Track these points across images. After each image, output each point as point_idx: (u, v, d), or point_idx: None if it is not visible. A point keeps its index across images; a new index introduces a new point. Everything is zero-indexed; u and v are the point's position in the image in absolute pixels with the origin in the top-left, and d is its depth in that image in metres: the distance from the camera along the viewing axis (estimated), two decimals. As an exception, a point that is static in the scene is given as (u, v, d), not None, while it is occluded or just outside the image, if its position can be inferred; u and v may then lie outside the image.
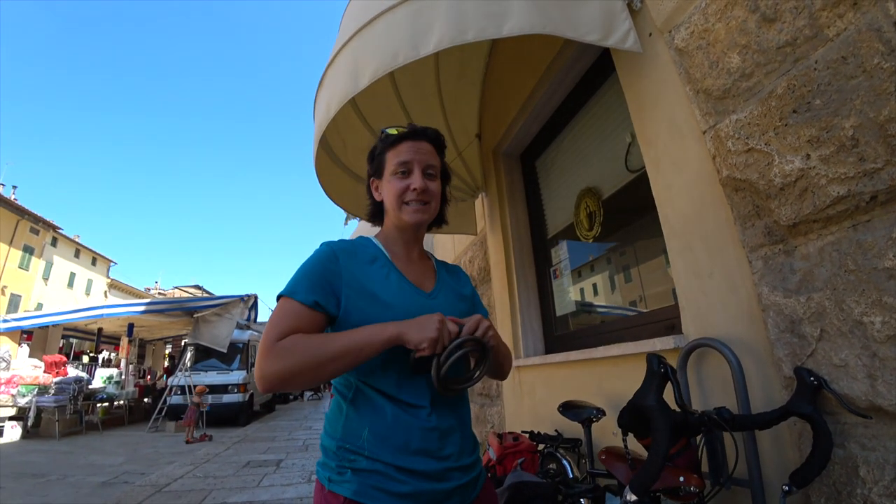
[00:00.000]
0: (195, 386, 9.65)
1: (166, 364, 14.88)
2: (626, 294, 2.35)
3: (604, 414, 1.85)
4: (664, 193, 1.64)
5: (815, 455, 0.99)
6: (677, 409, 1.11)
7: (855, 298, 1.00)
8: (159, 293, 40.92)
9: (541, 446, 2.28)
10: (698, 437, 1.22)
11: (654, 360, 1.07)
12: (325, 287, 0.91)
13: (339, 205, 2.80)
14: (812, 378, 1.04)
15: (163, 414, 9.75)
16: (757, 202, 1.22)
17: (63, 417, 8.24)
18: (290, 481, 4.93)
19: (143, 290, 37.56)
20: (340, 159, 2.82)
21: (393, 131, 1.06)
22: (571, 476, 1.97)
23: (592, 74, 2.45)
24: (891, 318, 0.94)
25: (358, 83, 1.70)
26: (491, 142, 3.53)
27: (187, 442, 8.13)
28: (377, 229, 1.16)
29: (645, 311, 2.13)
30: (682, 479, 1.06)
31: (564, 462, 2.08)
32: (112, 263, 33.07)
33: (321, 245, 0.97)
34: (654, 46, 1.72)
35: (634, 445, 1.28)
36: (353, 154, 2.90)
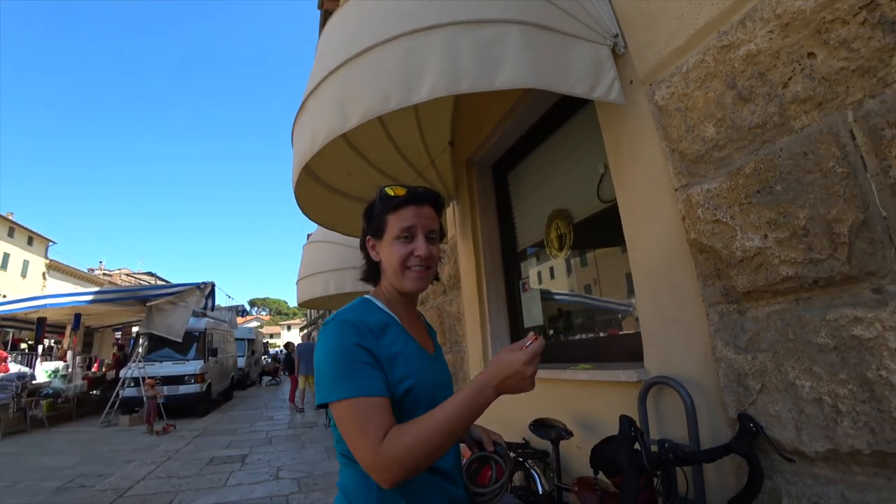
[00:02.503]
0: (148, 378, 9.35)
1: (115, 352, 14.18)
2: (592, 315, 2.51)
3: (571, 435, 2.00)
4: (637, 239, 1.77)
5: (749, 485, 1.18)
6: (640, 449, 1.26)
7: (791, 363, 1.18)
8: (104, 274, 38.56)
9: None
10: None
11: (626, 423, 1.22)
12: (374, 366, 0.90)
13: (319, 223, 2.78)
14: (752, 424, 1.24)
15: (115, 407, 9.38)
16: (718, 266, 1.36)
17: (6, 416, 7.77)
18: (258, 479, 4.93)
19: (86, 271, 35.28)
20: (317, 174, 2.79)
21: (392, 191, 1.05)
22: (541, 488, 2.13)
23: (573, 99, 2.51)
24: (817, 385, 1.12)
25: (347, 121, 1.70)
26: (464, 150, 3.57)
27: (156, 433, 7.97)
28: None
29: (611, 335, 2.29)
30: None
31: (533, 473, 2.24)
32: (51, 243, 30.79)
33: (339, 324, 0.94)
34: (635, 95, 1.79)
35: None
36: (331, 166, 2.88)
